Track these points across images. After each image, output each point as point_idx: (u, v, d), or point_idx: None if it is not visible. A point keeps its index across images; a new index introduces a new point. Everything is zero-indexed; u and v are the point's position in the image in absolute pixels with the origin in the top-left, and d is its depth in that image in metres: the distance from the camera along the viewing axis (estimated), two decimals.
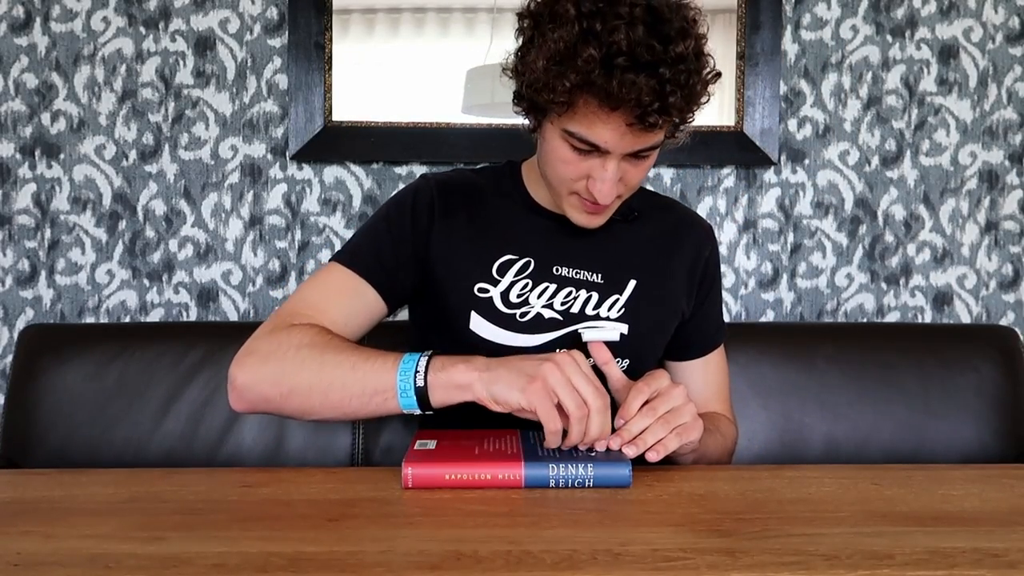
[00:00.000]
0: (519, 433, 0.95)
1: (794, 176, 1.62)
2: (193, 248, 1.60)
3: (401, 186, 1.60)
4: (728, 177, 1.62)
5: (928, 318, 1.64)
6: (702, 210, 1.62)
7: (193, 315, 1.61)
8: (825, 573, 0.61)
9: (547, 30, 0.87)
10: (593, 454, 0.85)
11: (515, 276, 1.02)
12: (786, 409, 1.33)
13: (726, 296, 1.63)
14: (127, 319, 1.60)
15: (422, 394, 0.86)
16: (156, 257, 1.60)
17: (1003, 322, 1.64)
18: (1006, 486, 0.86)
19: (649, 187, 1.61)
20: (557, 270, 1.04)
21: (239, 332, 1.39)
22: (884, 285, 1.64)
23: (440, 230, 1.03)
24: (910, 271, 1.64)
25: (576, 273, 1.04)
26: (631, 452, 0.85)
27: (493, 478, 0.83)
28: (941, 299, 1.64)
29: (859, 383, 1.34)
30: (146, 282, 1.60)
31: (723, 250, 1.63)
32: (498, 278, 1.02)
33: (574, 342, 1.00)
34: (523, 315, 1.01)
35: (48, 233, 1.59)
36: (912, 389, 1.34)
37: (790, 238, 1.63)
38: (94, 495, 0.84)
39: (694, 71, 0.86)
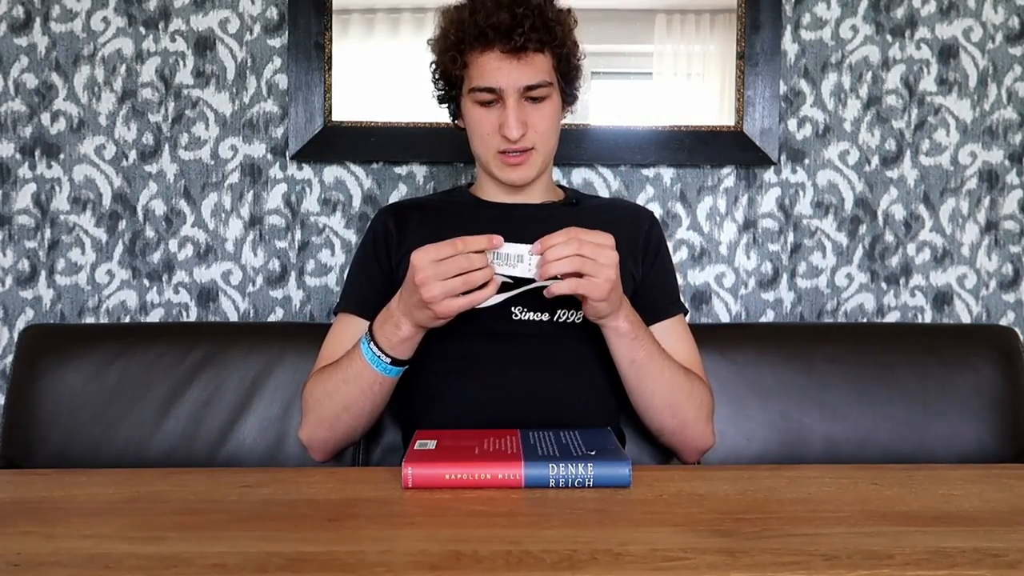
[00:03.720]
0: (519, 433, 0.95)
1: (794, 176, 1.62)
2: (193, 248, 1.60)
3: (401, 186, 1.61)
4: (728, 177, 1.62)
5: (928, 318, 1.64)
6: (702, 210, 1.62)
7: (193, 315, 1.61)
8: (825, 573, 0.62)
9: (437, 27, 1.15)
10: (593, 454, 0.85)
11: None
12: (786, 409, 1.33)
13: (726, 296, 1.63)
14: (127, 319, 1.60)
15: (396, 362, 1.03)
16: (156, 257, 1.60)
17: (1003, 322, 1.64)
18: (1006, 486, 0.86)
19: (649, 188, 1.62)
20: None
21: (239, 332, 1.41)
22: (884, 285, 1.64)
23: (398, 241, 1.17)
24: (910, 271, 1.64)
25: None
26: (538, 273, 0.95)
27: (493, 478, 0.83)
28: (941, 299, 1.64)
29: (859, 383, 1.34)
30: (146, 282, 1.60)
31: (723, 250, 1.63)
32: None
33: (528, 300, 1.08)
34: None
35: (48, 233, 1.59)
36: (912, 389, 1.34)
37: (790, 238, 1.63)
38: (94, 495, 0.84)
39: (547, 6, 1.10)
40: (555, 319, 1.11)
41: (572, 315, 1.11)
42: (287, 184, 1.60)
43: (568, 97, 1.18)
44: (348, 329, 1.17)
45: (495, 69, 1.08)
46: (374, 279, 1.18)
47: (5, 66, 1.57)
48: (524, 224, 1.16)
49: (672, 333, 1.18)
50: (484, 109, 1.12)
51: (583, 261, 0.94)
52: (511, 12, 1.06)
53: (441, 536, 0.70)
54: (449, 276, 0.93)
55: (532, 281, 1.11)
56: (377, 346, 1.02)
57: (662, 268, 1.22)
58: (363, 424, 1.11)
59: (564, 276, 0.95)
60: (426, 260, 0.93)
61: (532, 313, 1.11)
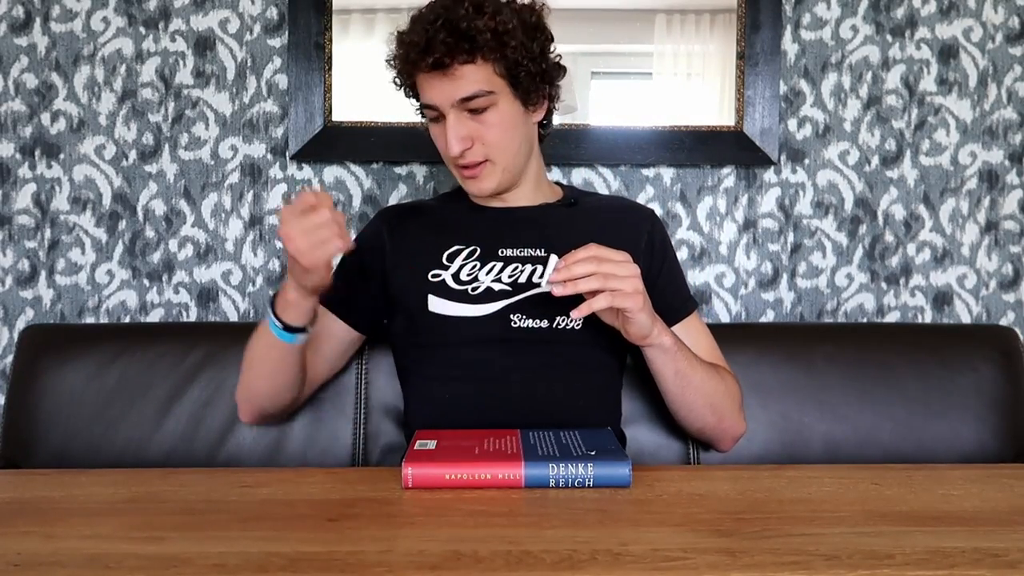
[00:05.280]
0: (519, 433, 0.95)
1: (794, 176, 1.62)
2: (193, 248, 1.60)
3: (401, 186, 1.61)
4: (728, 177, 1.62)
5: (928, 318, 1.64)
6: (702, 210, 1.62)
7: (193, 315, 1.61)
8: (825, 573, 0.62)
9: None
10: (593, 454, 0.85)
11: (464, 260, 1.14)
12: (786, 409, 1.33)
13: (726, 296, 1.63)
14: (127, 319, 1.60)
15: (287, 328, 1.03)
16: (156, 257, 1.60)
17: (1003, 322, 1.64)
18: (1006, 486, 0.86)
19: (649, 188, 1.62)
20: (502, 252, 1.14)
21: (239, 332, 1.39)
22: (884, 285, 1.64)
23: (393, 247, 1.18)
24: (910, 271, 1.64)
25: (520, 251, 1.14)
26: (558, 291, 0.94)
27: (493, 478, 0.83)
28: (941, 299, 1.64)
29: (859, 383, 1.34)
30: (146, 282, 1.60)
31: (723, 250, 1.63)
32: (448, 264, 1.14)
33: (527, 307, 1.10)
34: (474, 289, 1.12)
35: (48, 233, 1.59)
36: (912, 389, 1.34)
37: (790, 238, 1.63)
38: (94, 495, 0.84)
39: (465, 16, 1.04)
40: (554, 326, 1.11)
41: (572, 322, 1.11)
42: (287, 184, 1.60)
43: (529, 98, 1.12)
44: (322, 329, 1.17)
45: (428, 87, 1.08)
46: (353, 279, 1.18)
47: (5, 66, 1.57)
48: (522, 226, 1.17)
49: (691, 331, 1.18)
50: (436, 125, 1.11)
51: (605, 277, 0.94)
52: (424, 30, 1.05)
53: (441, 536, 0.70)
54: (311, 227, 0.92)
55: (532, 286, 1.11)
56: (274, 310, 1.04)
57: (671, 268, 1.22)
58: (267, 388, 1.12)
59: (590, 295, 0.95)
60: (290, 215, 0.93)
61: (531, 320, 1.11)
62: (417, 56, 1.06)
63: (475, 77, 1.06)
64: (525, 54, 1.08)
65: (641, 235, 1.20)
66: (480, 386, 1.10)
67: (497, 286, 1.12)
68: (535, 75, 1.10)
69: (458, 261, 1.14)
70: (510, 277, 1.12)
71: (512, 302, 1.11)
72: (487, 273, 1.12)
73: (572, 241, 1.13)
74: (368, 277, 1.19)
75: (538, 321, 1.11)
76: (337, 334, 1.19)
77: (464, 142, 1.08)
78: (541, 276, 1.12)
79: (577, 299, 0.96)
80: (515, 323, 1.10)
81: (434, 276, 1.13)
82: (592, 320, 1.08)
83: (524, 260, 1.13)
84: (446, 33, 1.03)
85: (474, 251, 1.14)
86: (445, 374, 1.12)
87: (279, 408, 1.18)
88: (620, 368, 1.20)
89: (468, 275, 1.13)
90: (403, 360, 1.21)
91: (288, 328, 1.03)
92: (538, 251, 1.14)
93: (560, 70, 1.16)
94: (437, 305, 1.12)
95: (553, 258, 0.97)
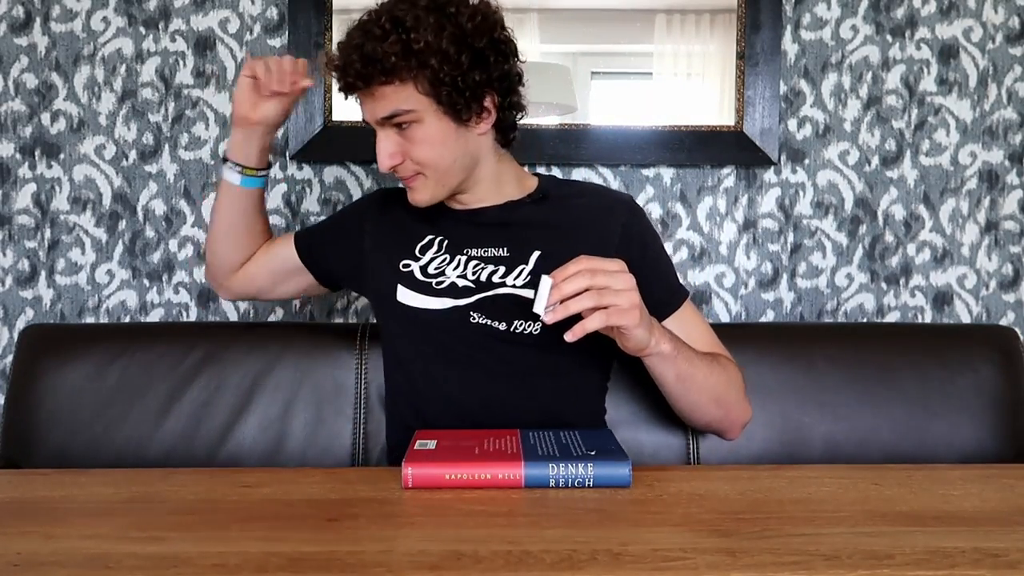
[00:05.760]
0: (519, 433, 0.95)
1: (794, 176, 1.62)
2: (193, 248, 1.60)
3: (400, 186, 1.60)
4: (728, 177, 1.62)
5: (928, 318, 1.64)
6: (702, 210, 1.62)
7: (193, 315, 1.61)
8: (825, 573, 0.62)
9: None
10: (593, 454, 0.85)
11: (434, 254, 1.15)
12: (786, 409, 1.33)
13: (726, 296, 1.63)
14: (127, 319, 1.60)
15: (225, 158, 1.21)
16: (156, 257, 1.60)
17: (1003, 322, 1.64)
18: (1006, 486, 0.86)
19: (649, 188, 1.61)
20: (467, 251, 1.15)
21: (239, 332, 1.41)
22: (884, 285, 1.64)
23: (375, 224, 1.23)
24: (910, 271, 1.64)
25: (483, 251, 1.14)
26: (548, 318, 0.90)
27: (493, 478, 0.83)
28: (941, 299, 1.64)
29: (859, 383, 1.34)
30: (146, 282, 1.60)
31: (723, 250, 1.63)
32: (420, 256, 1.16)
33: (487, 306, 1.11)
34: (439, 283, 1.14)
35: (48, 233, 1.59)
36: (911, 389, 1.34)
37: (790, 238, 1.63)
38: (94, 495, 0.84)
39: (374, 38, 1.01)
40: (511, 329, 1.10)
41: (529, 327, 1.10)
42: (287, 184, 1.60)
43: (460, 114, 1.05)
44: (281, 243, 1.29)
45: (360, 102, 1.09)
46: (326, 227, 1.28)
47: (5, 66, 1.57)
48: (483, 226, 1.16)
49: (685, 322, 1.14)
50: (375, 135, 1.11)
51: (600, 293, 0.89)
52: (341, 53, 1.05)
53: (441, 536, 0.70)
54: (267, 61, 1.12)
55: (493, 285, 1.11)
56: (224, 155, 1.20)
57: (654, 260, 1.17)
58: (214, 228, 1.25)
59: (587, 313, 0.90)
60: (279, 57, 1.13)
61: (489, 320, 1.11)
62: (341, 76, 1.06)
63: (395, 97, 1.04)
64: (449, 71, 1.01)
65: (615, 227, 1.14)
66: (439, 376, 1.13)
67: (461, 282, 1.13)
68: (463, 90, 1.03)
69: (429, 254, 1.15)
70: (474, 274, 1.13)
71: (472, 300, 1.12)
72: (454, 268, 1.14)
73: (534, 239, 1.14)
74: (338, 234, 1.26)
75: (496, 322, 1.11)
76: (284, 254, 1.27)
77: (393, 158, 1.07)
78: (503, 277, 1.11)
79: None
80: (474, 319, 1.11)
81: (404, 266, 1.16)
82: (556, 326, 0.98)
83: (487, 260, 1.13)
84: (358, 57, 1.02)
85: (443, 241, 1.16)
86: (409, 359, 1.16)
87: (214, 255, 1.28)
88: (596, 371, 1.19)
89: (436, 269, 1.14)
90: (383, 341, 1.24)
91: (225, 158, 1.19)
92: (500, 250, 1.13)
93: (510, 79, 1.09)
94: (404, 295, 1.14)
95: (544, 279, 0.90)
